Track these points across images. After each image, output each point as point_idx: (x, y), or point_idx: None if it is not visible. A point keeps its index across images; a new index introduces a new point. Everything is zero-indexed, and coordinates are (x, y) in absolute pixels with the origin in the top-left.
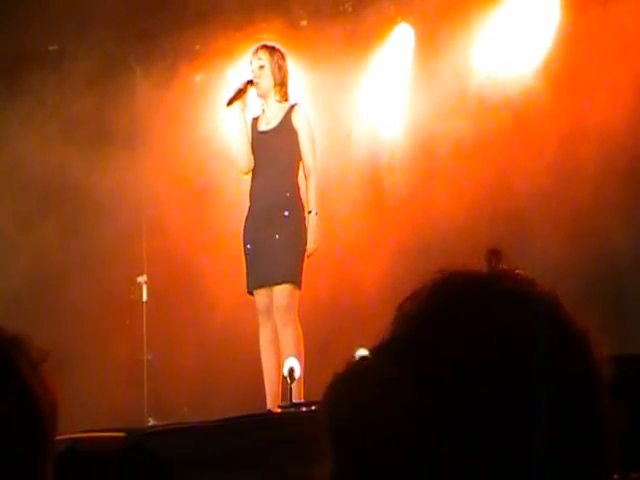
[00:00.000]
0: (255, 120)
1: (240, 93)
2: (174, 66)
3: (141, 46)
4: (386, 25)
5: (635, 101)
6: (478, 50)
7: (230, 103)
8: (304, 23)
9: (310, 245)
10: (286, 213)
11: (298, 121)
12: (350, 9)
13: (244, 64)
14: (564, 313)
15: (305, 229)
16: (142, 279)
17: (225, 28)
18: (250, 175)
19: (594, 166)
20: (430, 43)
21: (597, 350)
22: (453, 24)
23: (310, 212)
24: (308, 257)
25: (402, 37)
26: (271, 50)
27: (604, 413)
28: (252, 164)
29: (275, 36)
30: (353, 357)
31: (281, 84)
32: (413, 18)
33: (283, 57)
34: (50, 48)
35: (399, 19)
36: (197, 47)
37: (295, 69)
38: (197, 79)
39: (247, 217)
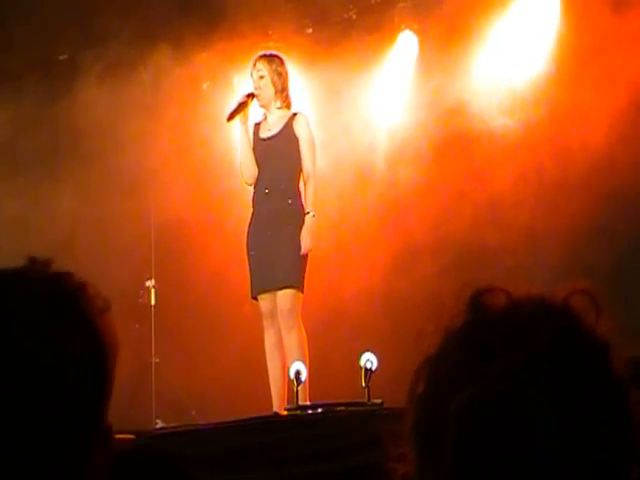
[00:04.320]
0: (257, 126)
1: (241, 106)
2: (181, 74)
3: (149, 54)
4: (390, 32)
5: (633, 118)
6: (481, 57)
7: (231, 118)
8: (309, 31)
9: (305, 245)
10: (288, 219)
11: (299, 129)
12: (355, 17)
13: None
14: (581, 331)
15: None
16: (151, 283)
17: (231, 36)
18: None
19: (597, 173)
20: (434, 50)
21: (619, 360)
22: (456, 32)
23: (307, 213)
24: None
25: (406, 44)
26: (269, 59)
27: (627, 424)
28: (256, 175)
29: (281, 44)
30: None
31: (282, 90)
32: (417, 25)
33: (282, 63)
34: (60, 57)
35: (403, 26)
36: (204, 55)
37: (300, 76)
38: (204, 86)
39: (250, 223)
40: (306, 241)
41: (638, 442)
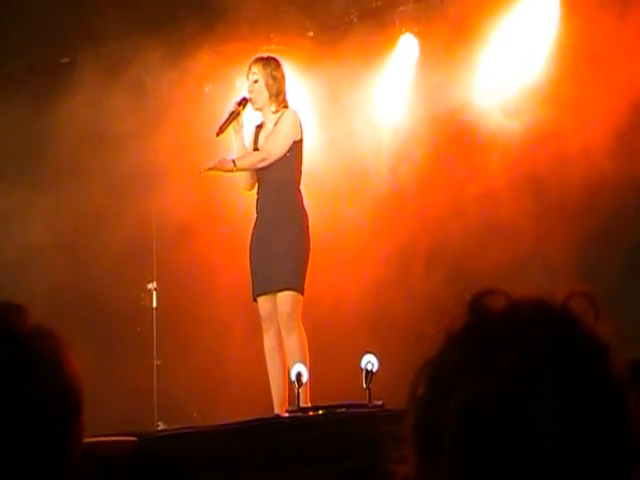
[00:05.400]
0: (258, 129)
1: (232, 116)
2: (183, 77)
3: (151, 57)
4: (391, 35)
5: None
6: (482, 60)
7: (221, 131)
8: (311, 34)
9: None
10: (287, 223)
11: (280, 122)
12: (356, 20)
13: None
14: (580, 332)
15: (307, 238)
16: (152, 286)
17: (233, 39)
18: (256, 189)
19: (598, 175)
20: (434, 53)
21: (618, 362)
22: (457, 34)
23: (232, 160)
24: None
25: (407, 47)
26: (264, 62)
27: (626, 424)
28: (254, 181)
29: (282, 47)
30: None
31: (277, 94)
32: (418, 28)
33: (278, 66)
34: (62, 60)
35: (404, 29)
36: (206, 58)
37: (301, 78)
38: (206, 89)
39: (253, 227)
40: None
41: (637, 443)
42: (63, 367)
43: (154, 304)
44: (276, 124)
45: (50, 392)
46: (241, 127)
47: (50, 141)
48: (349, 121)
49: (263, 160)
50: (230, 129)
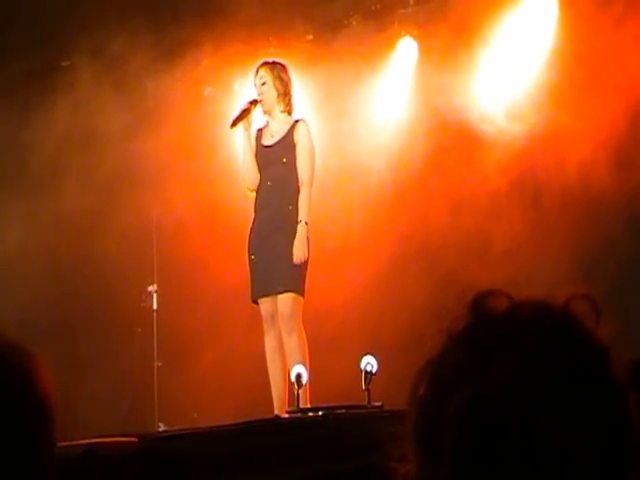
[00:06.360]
0: (259, 131)
1: (244, 113)
2: (183, 79)
3: (151, 60)
4: (390, 39)
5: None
6: (481, 63)
7: (234, 124)
8: (310, 37)
9: (297, 255)
10: (288, 224)
11: (298, 136)
12: (355, 23)
13: (251, 77)
14: (580, 333)
15: (307, 239)
16: (153, 288)
17: (232, 42)
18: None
19: (596, 179)
20: (433, 56)
21: (617, 364)
22: (456, 37)
23: (300, 222)
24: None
25: (406, 50)
26: (271, 65)
27: (626, 425)
28: (257, 181)
29: (281, 50)
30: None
31: (284, 94)
32: (417, 32)
33: (284, 69)
34: (63, 64)
35: (403, 33)
36: (205, 61)
37: (300, 82)
38: (205, 92)
39: (251, 228)
40: (298, 251)
41: (637, 444)
42: (31, 382)
43: (154, 306)
44: (291, 134)
45: (17, 406)
46: (250, 125)
47: (47, 143)
48: (348, 124)
49: (310, 188)
50: (240, 125)
